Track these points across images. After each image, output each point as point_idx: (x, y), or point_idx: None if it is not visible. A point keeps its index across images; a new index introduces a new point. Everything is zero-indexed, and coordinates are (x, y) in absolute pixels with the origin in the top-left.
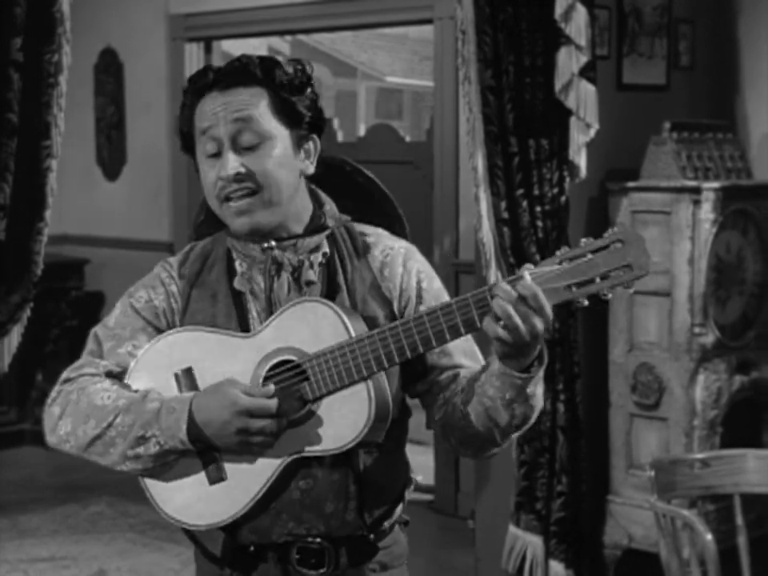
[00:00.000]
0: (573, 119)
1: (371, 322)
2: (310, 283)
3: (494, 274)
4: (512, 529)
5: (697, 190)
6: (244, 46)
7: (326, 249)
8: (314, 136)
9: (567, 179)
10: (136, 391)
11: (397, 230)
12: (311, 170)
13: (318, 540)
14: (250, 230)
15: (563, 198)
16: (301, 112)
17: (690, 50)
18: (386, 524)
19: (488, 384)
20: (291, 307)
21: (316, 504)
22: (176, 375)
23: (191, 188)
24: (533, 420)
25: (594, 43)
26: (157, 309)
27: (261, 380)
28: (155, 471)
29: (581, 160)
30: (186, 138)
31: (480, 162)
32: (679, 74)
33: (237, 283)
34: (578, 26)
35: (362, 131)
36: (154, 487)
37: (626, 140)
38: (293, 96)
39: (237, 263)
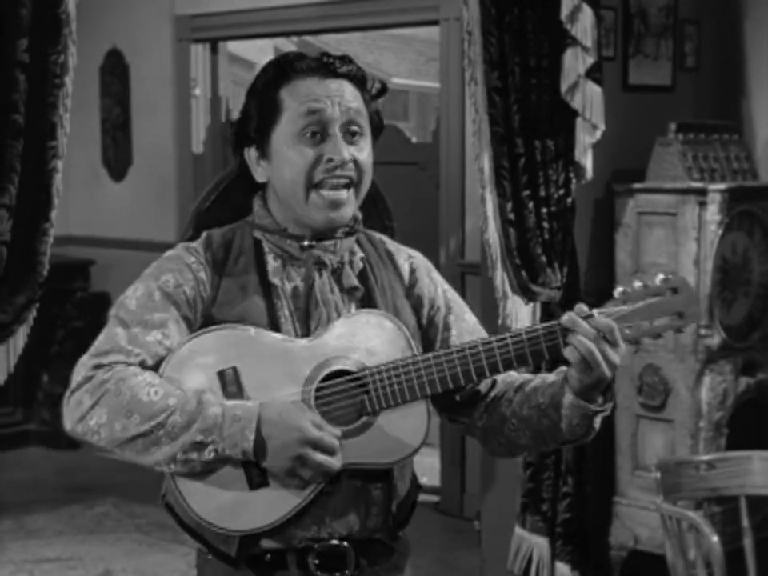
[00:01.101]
0: (579, 120)
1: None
2: (354, 288)
3: (499, 275)
4: (518, 530)
5: (703, 192)
6: (250, 47)
7: (361, 253)
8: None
9: (573, 180)
10: (182, 389)
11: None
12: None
13: (338, 543)
14: (332, 225)
15: (569, 200)
16: (378, 116)
17: (696, 51)
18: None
19: (552, 409)
20: (352, 317)
21: (340, 509)
22: (220, 374)
23: (197, 189)
24: (591, 436)
25: (599, 44)
26: (186, 295)
27: (314, 389)
28: (196, 475)
29: (587, 161)
30: (259, 121)
31: (486, 163)
32: (685, 75)
33: (272, 276)
34: (584, 27)
35: None
36: (187, 486)
37: (631, 141)
38: (377, 107)
39: (270, 257)
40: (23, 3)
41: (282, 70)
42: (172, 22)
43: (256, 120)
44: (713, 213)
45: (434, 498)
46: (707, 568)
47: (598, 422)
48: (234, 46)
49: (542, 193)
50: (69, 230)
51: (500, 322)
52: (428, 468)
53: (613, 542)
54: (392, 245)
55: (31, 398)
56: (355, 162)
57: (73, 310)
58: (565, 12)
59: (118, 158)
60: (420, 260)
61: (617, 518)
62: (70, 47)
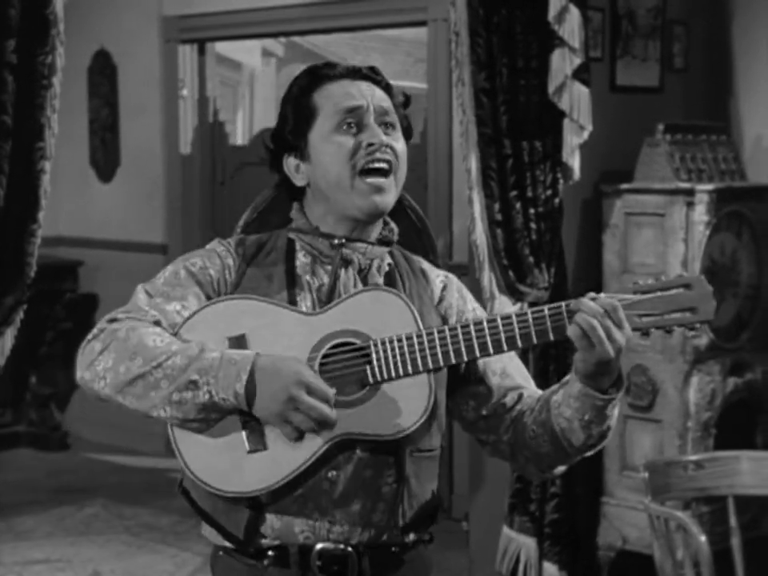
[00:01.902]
0: (566, 121)
1: None
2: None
3: (487, 276)
4: (506, 530)
5: (690, 192)
6: (238, 48)
7: (390, 260)
8: None
9: (561, 181)
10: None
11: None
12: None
13: (342, 546)
14: (378, 211)
15: (557, 200)
16: (411, 130)
17: (684, 52)
18: (413, 536)
19: (565, 405)
20: (361, 293)
21: (344, 499)
22: (229, 339)
23: (185, 190)
24: (607, 440)
25: (587, 45)
26: (212, 277)
27: (320, 356)
28: (192, 425)
29: (574, 162)
30: (295, 126)
31: (473, 164)
32: (673, 75)
33: (299, 270)
34: (572, 27)
35: None
36: (185, 442)
37: (619, 142)
38: (406, 115)
39: (300, 254)
40: (11, 4)
41: (315, 75)
42: (160, 22)
43: (292, 124)
44: (701, 213)
45: None
46: (695, 568)
47: (613, 416)
48: (221, 47)
49: (530, 194)
50: (57, 231)
51: None
52: None
53: (601, 542)
54: (427, 265)
55: (20, 399)
56: (392, 148)
57: (61, 312)
58: (552, 13)
59: (106, 158)
60: (453, 279)
61: (605, 519)
62: (57, 48)
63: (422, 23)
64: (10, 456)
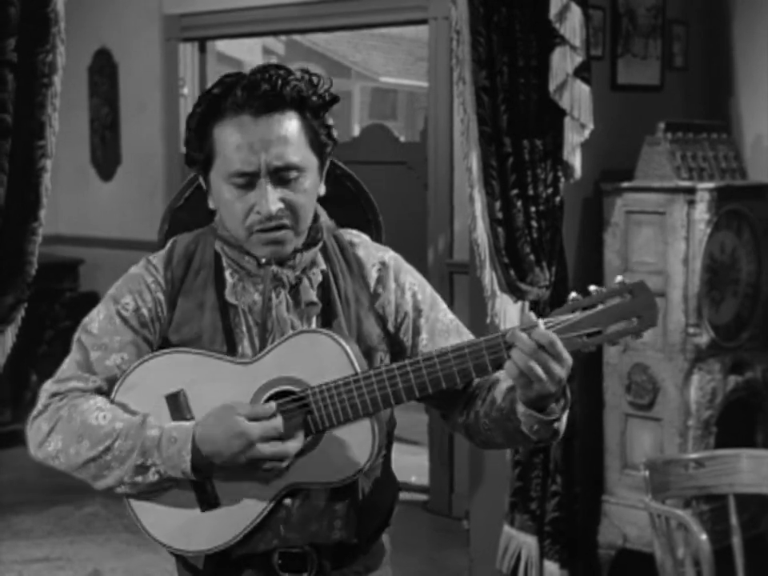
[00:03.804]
0: (567, 119)
1: (366, 340)
2: (311, 304)
3: (488, 274)
4: (506, 529)
5: (691, 191)
6: (239, 47)
7: (323, 265)
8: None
9: (562, 179)
10: (132, 413)
11: (373, 235)
12: (323, 190)
13: (300, 548)
14: (277, 257)
15: (558, 199)
16: (324, 138)
17: (684, 51)
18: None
19: (512, 413)
20: (295, 336)
21: (301, 523)
22: (168, 398)
23: None
24: (559, 437)
25: (588, 44)
26: (144, 318)
27: None
28: (147, 495)
29: (575, 160)
30: (199, 154)
31: (474, 163)
32: (673, 74)
33: (228, 295)
34: (573, 26)
35: (356, 131)
36: (141, 509)
37: (620, 140)
38: (318, 121)
39: (227, 273)
40: (12, 2)
41: (215, 105)
42: (160, 21)
43: (195, 153)
44: (701, 212)
45: (423, 498)
46: (696, 566)
47: (560, 425)
48: (222, 45)
49: (531, 192)
50: (57, 230)
51: (488, 320)
52: (416, 467)
53: (601, 540)
54: (363, 249)
55: (20, 398)
56: (288, 206)
57: (61, 310)
58: (553, 11)
59: (106, 157)
60: (390, 264)
61: (605, 517)
62: (58, 46)
63: (423, 21)
64: (10, 455)
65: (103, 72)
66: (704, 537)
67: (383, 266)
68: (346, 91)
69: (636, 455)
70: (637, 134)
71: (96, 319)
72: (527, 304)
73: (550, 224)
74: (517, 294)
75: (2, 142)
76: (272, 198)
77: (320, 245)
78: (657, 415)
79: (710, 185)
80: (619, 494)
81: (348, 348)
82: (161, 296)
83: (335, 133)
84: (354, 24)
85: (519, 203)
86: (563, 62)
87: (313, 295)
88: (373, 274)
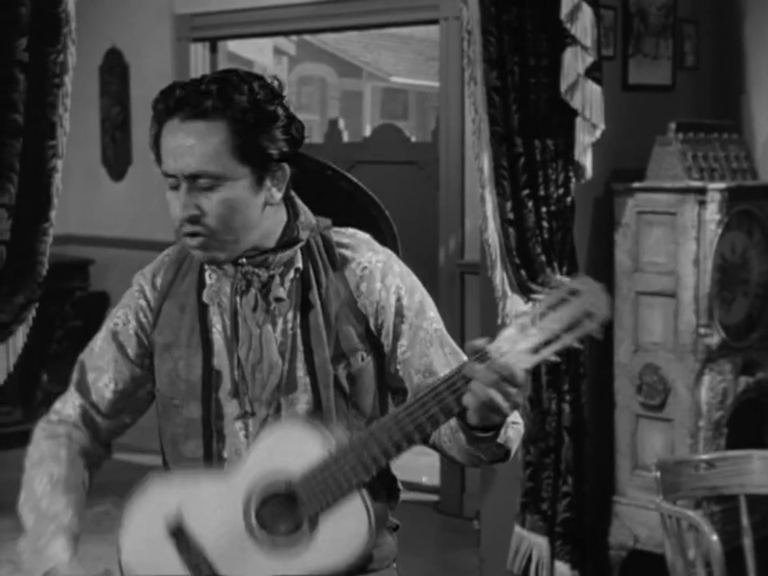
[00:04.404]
0: (578, 120)
1: (345, 339)
2: (278, 299)
3: (499, 275)
4: (517, 529)
5: (702, 191)
6: (250, 46)
7: (299, 263)
8: (283, 165)
9: (573, 180)
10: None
11: (382, 230)
12: (278, 197)
13: None
14: (210, 263)
15: (569, 199)
16: (263, 148)
17: (695, 51)
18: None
19: (461, 438)
20: (266, 438)
21: None
22: (172, 536)
23: None
24: (513, 452)
25: (599, 43)
26: (135, 330)
27: (254, 520)
28: None
29: (586, 160)
30: (157, 156)
31: (485, 163)
32: (684, 74)
33: (204, 296)
34: (584, 26)
35: (367, 131)
36: None
37: (631, 140)
38: (255, 130)
39: (207, 274)
40: (23, 2)
41: (158, 110)
42: (171, 21)
43: (155, 154)
44: (712, 212)
45: (434, 498)
46: (707, 567)
47: (510, 438)
48: (233, 45)
49: (542, 192)
50: (68, 230)
51: (499, 320)
52: (427, 467)
53: (612, 541)
54: (352, 249)
55: (30, 397)
56: (203, 213)
57: (71, 310)
58: (564, 11)
59: (117, 157)
60: (377, 266)
61: (616, 518)
62: (69, 46)
63: (434, 21)
64: (21, 454)
65: (114, 72)
66: (715, 538)
67: (369, 266)
68: (357, 91)
69: (647, 456)
70: (648, 134)
71: (99, 338)
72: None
73: (561, 224)
74: (528, 294)
75: (14, 142)
76: (182, 204)
77: (299, 244)
78: (668, 416)
79: (721, 185)
80: (630, 495)
81: (317, 428)
82: (143, 302)
83: (282, 145)
84: (364, 24)
85: (530, 203)
86: (574, 62)
87: (281, 292)
88: (357, 273)
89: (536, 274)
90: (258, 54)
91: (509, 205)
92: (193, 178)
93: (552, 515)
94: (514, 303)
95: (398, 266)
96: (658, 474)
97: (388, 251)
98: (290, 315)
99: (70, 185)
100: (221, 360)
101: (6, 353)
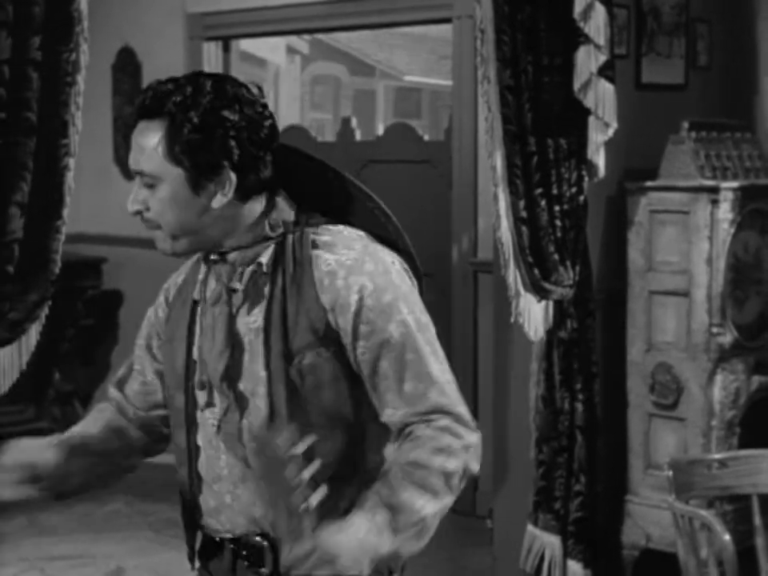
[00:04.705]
0: (591, 118)
1: (303, 336)
2: (233, 291)
3: (512, 273)
4: (530, 528)
5: (715, 190)
6: (262, 45)
7: (264, 259)
8: (226, 171)
9: (586, 178)
10: None
11: (381, 222)
12: (222, 201)
13: (258, 538)
14: (172, 254)
15: (582, 198)
16: (199, 151)
17: (708, 50)
18: None
19: None
20: None
21: (246, 509)
22: None
23: None
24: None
25: (612, 42)
26: (152, 326)
27: None
28: None
29: (599, 159)
30: None
31: (499, 162)
32: (697, 73)
33: (195, 292)
34: (597, 25)
35: (380, 130)
36: None
37: (644, 139)
38: (192, 133)
39: (201, 269)
40: (36, 1)
41: (133, 112)
42: (184, 20)
43: None
44: (725, 211)
45: None
46: (719, 567)
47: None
48: (246, 44)
49: (555, 191)
50: (80, 228)
51: (512, 319)
52: None
53: (625, 540)
54: (326, 247)
55: (42, 395)
56: (144, 209)
57: (83, 309)
58: (578, 10)
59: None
60: (343, 263)
61: (629, 517)
62: (82, 45)
63: (447, 20)
64: None
65: (126, 71)
66: (727, 537)
67: (335, 263)
68: (370, 90)
69: (659, 455)
70: (661, 133)
71: (136, 342)
72: (551, 303)
73: (573, 223)
74: (541, 293)
75: (27, 140)
76: (132, 197)
77: (268, 242)
78: (680, 415)
79: (734, 184)
80: (642, 494)
81: None
82: (161, 298)
83: (229, 151)
84: (377, 23)
85: (543, 202)
86: (587, 61)
87: (236, 284)
88: (323, 269)
89: (549, 273)
90: (270, 52)
91: (522, 203)
92: (139, 174)
93: (564, 514)
94: (527, 302)
95: (374, 265)
96: (671, 473)
97: (372, 250)
98: (256, 310)
99: (82, 183)
100: (199, 351)
101: (18, 351)
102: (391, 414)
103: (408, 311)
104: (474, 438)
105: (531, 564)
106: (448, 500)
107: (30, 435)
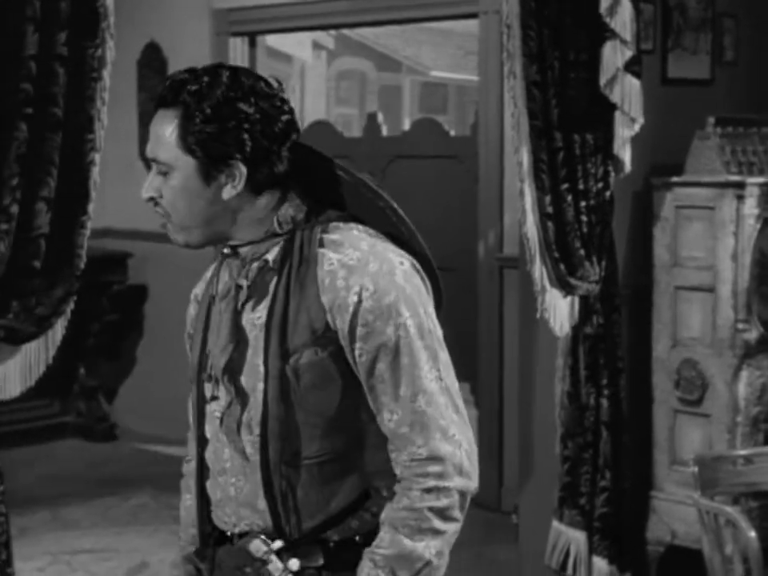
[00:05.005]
0: (617, 114)
1: (301, 335)
2: (239, 287)
3: (538, 269)
4: (555, 524)
5: (741, 185)
6: (288, 41)
7: (271, 255)
8: (237, 163)
9: (612, 174)
10: None
11: (392, 220)
12: (232, 193)
13: (263, 537)
14: (184, 246)
15: (608, 193)
16: (210, 142)
17: (735, 45)
18: (330, 534)
19: None
20: None
21: (249, 500)
22: None
23: None
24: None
25: (638, 38)
26: (188, 324)
27: None
28: None
29: (625, 155)
30: None
31: (525, 157)
32: (723, 68)
33: (212, 287)
34: (623, 20)
35: (406, 125)
36: None
37: (670, 135)
38: (204, 123)
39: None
40: None
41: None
42: (210, 15)
43: None
44: (751, 206)
45: None
46: (744, 563)
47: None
48: (272, 40)
49: (581, 186)
50: (106, 223)
51: (538, 315)
52: None
53: (650, 536)
54: (333, 246)
55: (68, 390)
56: (158, 197)
57: (108, 304)
58: (604, 5)
59: None
60: (345, 263)
61: (654, 513)
62: (107, 41)
63: (474, 15)
64: (58, 447)
65: (152, 66)
66: (753, 534)
67: (338, 262)
68: (396, 85)
69: (684, 451)
70: (687, 128)
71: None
72: (577, 299)
73: (599, 218)
74: (567, 288)
75: (53, 135)
76: (146, 184)
77: (276, 239)
78: (705, 411)
79: (760, 179)
80: (668, 490)
81: None
82: (193, 294)
83: (242, 144)
84: (404, 18)
85: (569, 197)
86: (614, 57)
87: (242, 281)
88: (325, 268)
89: (575, 268)
90: (297, 48)
91: (548, 199)
92: (155, 162)
93: (590, 510)
94: (553, 297)
95: (379, 265)
96: (696, 469)
97: (379, 249)
98: (261, 306)
99: (107, 178)
100: (209, 345)
101: (45, 345)
102: (387, 419)
103: (410, 314)
104: (460, 470)
105: (556, 560)
106: (452, 528)
107: (55, 430)
